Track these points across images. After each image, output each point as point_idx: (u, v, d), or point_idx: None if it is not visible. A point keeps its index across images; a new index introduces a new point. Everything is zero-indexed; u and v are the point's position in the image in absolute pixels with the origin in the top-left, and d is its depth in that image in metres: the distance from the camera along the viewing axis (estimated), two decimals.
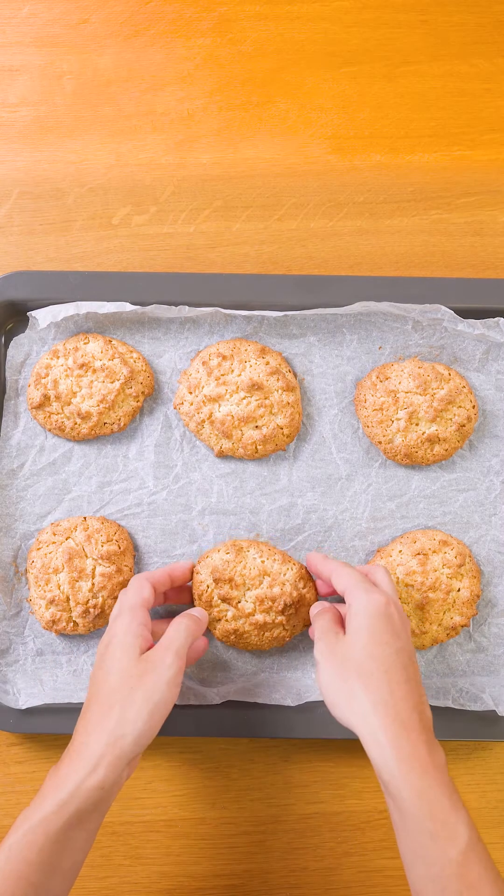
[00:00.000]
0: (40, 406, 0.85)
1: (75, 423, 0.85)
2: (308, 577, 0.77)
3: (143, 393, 0.86)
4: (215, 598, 0.77)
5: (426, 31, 0.95)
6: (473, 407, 0.85)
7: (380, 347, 0.88)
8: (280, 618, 0.77)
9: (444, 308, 0.84)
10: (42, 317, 0.84)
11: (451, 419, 0.84)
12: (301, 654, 0.85)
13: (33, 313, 0.85)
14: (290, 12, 0.95)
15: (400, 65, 0.94)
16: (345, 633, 0.69)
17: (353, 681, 0.64)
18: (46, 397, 0.85)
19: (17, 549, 0.85)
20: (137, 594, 0.73)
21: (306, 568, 0.78)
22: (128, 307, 0.84)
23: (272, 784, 0.84)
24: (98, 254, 0.91)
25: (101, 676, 0.68)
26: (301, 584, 0.77)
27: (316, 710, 0.81)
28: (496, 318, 0.85)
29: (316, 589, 0.80)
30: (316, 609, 0.75)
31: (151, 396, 0.87)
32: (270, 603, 0.76)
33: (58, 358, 0.85)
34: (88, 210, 0.91)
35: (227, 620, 0.78)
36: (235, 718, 0.81)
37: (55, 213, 0.91)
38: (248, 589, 0.76)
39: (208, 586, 0.77)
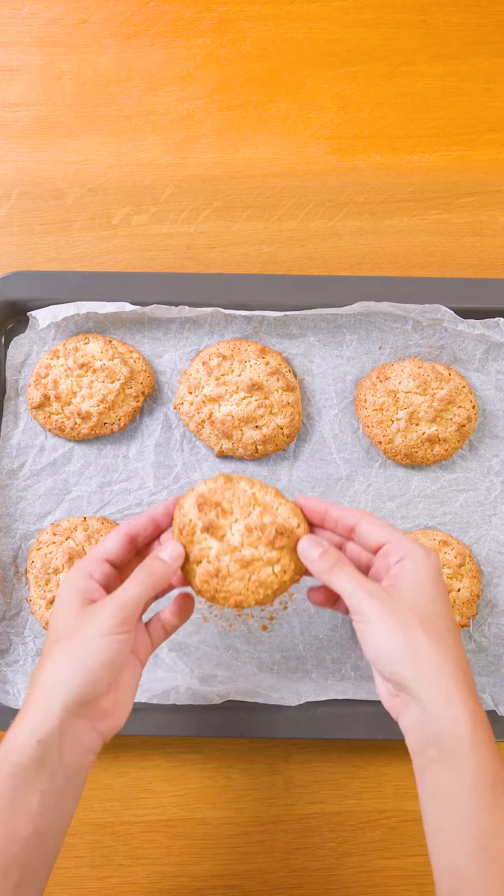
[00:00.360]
0: (40, 406, 0.85)
1: (75, 423, 0.85)
2: (303, 517, 0.67)
3: (143, 393, 0.86)
4: (198, 531, 0.65)
5: (426, 31, 0.95)
6: (473, 407, 0.85)
7: (380, 347, 0.87)
8: (270, 553, 0.65)
9: (444, 308, 0.84)
10: (42, 317, 0.84)
11: (451, 419, 0.84)
12: (301, 654, 0.84)
13: (33, 313, 0.85)
14: (290, 12, 0.95)
15: (400, 65, 0.94)
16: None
17: (421, 638, 0.59)
18: (46, 397, 0.85)
19: (17, 549, 0.85)
20: (96, 547, 0.67)
21: (301, 509, 0.68)
22: (128, 307, 0.84)
23: (272, 784, 0.83)
24: (98, 254, 0.91)
25: (48, 633, 0.64)
26: (295, 521, 0.66)
27: (316, 710, 0.81)
28: (496, 318, 0.85)
29: (311, 531, 0.68)
30: (316, 548, 0.64)
31: (151, 396, 0.87)
32: (260, 533, 0.65)
33: (58, 358, 0.85)
34: (88, 210, 0.91)
35: (209, 560, 0.65)
36: (235, 718, 0.81)
37: (55, 213, 0.91)
38: (237, 520, 0.65)
39: (191, 519, 0.65)
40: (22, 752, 0.57)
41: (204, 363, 0.85)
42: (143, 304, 0.85)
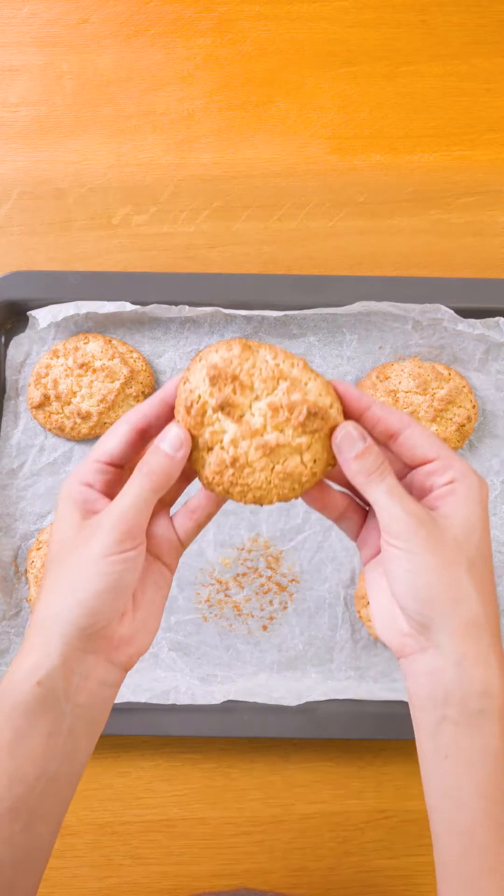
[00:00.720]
0: (40, 406, 0.85)
1: (75, 423, 0.85)
2: (336, 397, 0.54)
3: (143, 393, 0.86)
4: (210, 410, 0.53)
5: (426, 31, 0.95)
6: (473, 407, 0.85)
7: (380, 347, 0.87)
8: (300, 439, 0.53)
9: (444, 308, 0.84)
10: (42, 316, 0.84)
11: (450, 419, 0.84)
12: (301, 654, 0.84)
13: (33, 313, 0.85)
14: (290, 12, 0.95)
15: (400, 65, 0.94)
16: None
17: (466, 584, 0.51)
18: (46, 397, 0.85)
19: (16, 549, 0.85)
20: (95, 446, 0.56)
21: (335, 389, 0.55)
22: (128, 307, 0.84)
23: (272, 784, 0.83)
24: (98, 254, 0.90)
25: (47, 555, 0.57)
26: (328, 400, 0.53)
27: (316, 710, 0.81)
28: (496, 318, 0.85)
29: (344, 404, 0.55)
30: (357, 443, 0.53)
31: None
32: (288, 413, 0.52)
33: (58, 358, 0.85)
34: (88, 210, 0.91)
35: (222, 447, 0.53)
36: (235, 718, 0.80)
37: (55, 213, 0.91)
38: (258, 397, 0.53)
39: (200, 395, 0.53)
40: (21, 693, 0.51)
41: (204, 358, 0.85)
42: (143, 304, 0.85)
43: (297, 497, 0.55)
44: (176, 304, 0.85)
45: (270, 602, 0.85)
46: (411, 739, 0.55)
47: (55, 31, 0.94)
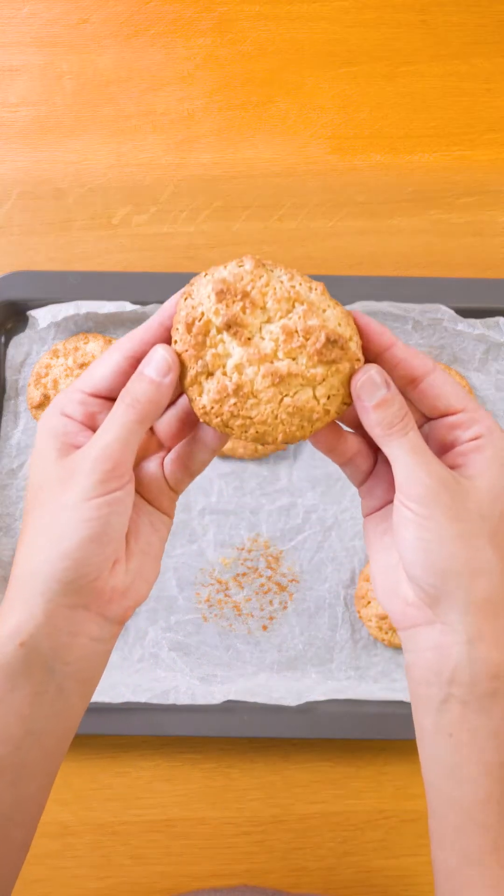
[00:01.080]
0: (40, 406, 0.85)
1: None
2: (357, 330, 0.49)
3: None
4: (214, 329, 0.47)
5: (426, 31, 0.94)
6: None
7: None
8: (315, 370, 0.47)
9: (444, 308, 0.83)
10: (42, 316, 0.84)
11: None
12: (301, 654, 0.84)
13: (33, 313, 0.85)
14: (290, 12, 0.95)
15: (400, 65, 0.94)
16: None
17: (489, 558, 0.47)
18: (46, 397, 0.85)
19: (16, 548, 0.85)
20: (82, 375, 0.51)
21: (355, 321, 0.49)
22: (128, 307, 0.84)
23: (272, 784, 0.83)
24: (98, 253, 0.90)
25: (24, 498, 0.52)
26: (348, 332, 0.48)
27: (316, 710, 0.81)
28: (496, 318, 0.85)
29: (365, 339, 0.49)
30: (379, 389, 0.47)
31: None
32: (303, 339, 0.47)
33: (58, 357, 0.85)
34: (88, 210, 0.91)
35: (225, 373, 0.48)
36: (235, 718, 0.80)
37: (55, 213, 0.91)
38: (270, 319, 0.47)
39: (203, 312, 0.47)
40: (2, 656, 0.47)
41: None
42: (144, 304, 0.84)
43: (304, 437, 0.49)
44: None
45: (270, 602, 0.85)
46: (411, 739, 0.53)
47: (55, 31, 0.94)
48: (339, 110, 0.93)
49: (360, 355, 0.48)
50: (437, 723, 0.48)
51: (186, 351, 0.47)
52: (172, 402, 0.52)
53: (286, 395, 0.48)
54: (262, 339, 0.47)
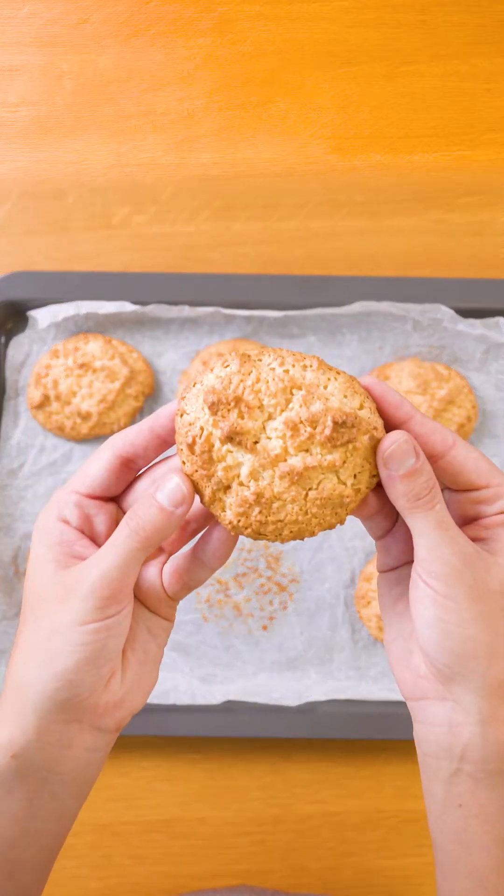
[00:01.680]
0: (40, 406, 0.85)
1: (75, 423, 0.85)
2: (365, 394, 0.46)
3: (143, 393, 0.86)
4: (217, 442, 0.45)
5: (426, 31, 0.95)
6: (473, 407, 0.85)
7: (380, 347, 0.87)
8: (331, 456, 0.45)
9: (444, 308, 0.84)
10: (42, 317, 0.85)
11: (451, 419, 0.84)
12: (301, 654, 0.84)
13: (33, 313, 0.85)
14: (290, 12, 0.95)
15: (400, 65, 0.94)
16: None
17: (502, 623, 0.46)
18: (46, 397, 0.85)
19: (17, 549, 0.86)
20: (76, 474, 0.49)
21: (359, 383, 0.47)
22: (128, 307, 0.84)
23: (272, 784, 0.83)
24: (98, 254, 0.90)
25: (23, 602, 0.50)
26: (356, 401, 0.45)
27: (316, 710, 0.81)
28: (496, 318, 0.85)
29: (380, 413, 0.47)
30: (407, 458, 0.45)
31: (152, 396, 0.88)
32: (310, 429, 0.45)
33: (58, 358, 0.85)
34: (88, 210, 0.91)
35: (241, 483, 0.45)
36: (236, 718, 0.80)
37: (55, 213, 0.91)
38: (271, 416, 0.45)
39: (202, 427, 0.45)
40: None
41: (204, 363, 0.85)
42: (144, 304, 0.85)
43: (342, 522, 0.47)
44: (176, 304, 0.85)
45: (270, 602, 0.85)
46: (411, 740, 0.53)
47: (55, 31, 0.95)
48: (339, 110, 0.93)
49: (376, 421, 0.46)
50: (447, 792, 0.48)
51: (196, 471, 0.46)
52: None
53: (310, 489, 0.45)
54: (269, 438, 0.45)
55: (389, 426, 0.46)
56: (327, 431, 0.44)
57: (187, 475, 0.46)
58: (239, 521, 0.46)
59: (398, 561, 0.50)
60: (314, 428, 0.44)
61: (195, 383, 0.46)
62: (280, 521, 0.45)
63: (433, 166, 0.92)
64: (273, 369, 0.45)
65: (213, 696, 0.81)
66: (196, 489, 0.46)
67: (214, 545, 0.49)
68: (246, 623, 0.85)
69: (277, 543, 0.86)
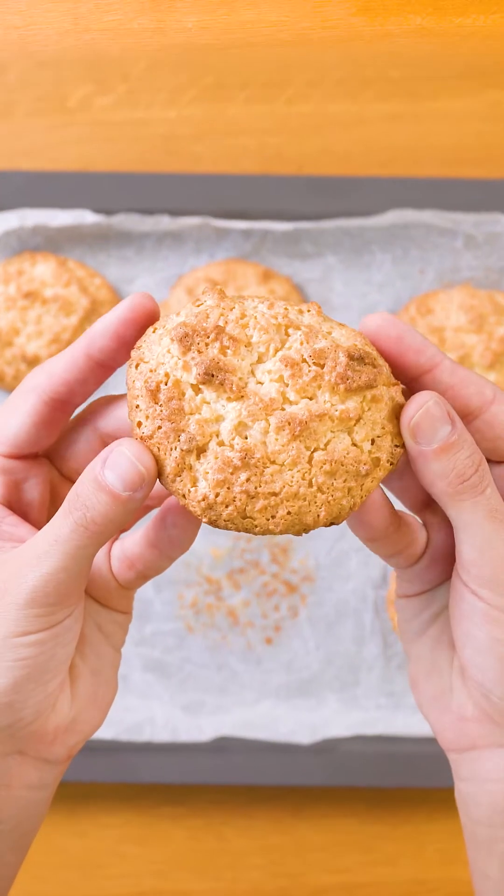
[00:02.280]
0: None
1: (18, 371, 0.85)
2: (378, 353, 0.43)
3: None
4: (188, 391, 0.42)
5: None
6: None
7: (420, 271, 0.87)
8: (346, 404, 0.42)
9: None
10: None
11: None
12: (316, 676, 0.83)
13: None
14: None
15: None
16: None
17: None
18: None
19: None
20: None
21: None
22: (88, 218, 0.84)
23: (278, 847, 0.83)
24: (49, 147, 0.89)
25: None
26: (370, 349, 0.42)
27: (337, 749, 0.80)
28: None
29: (396, 363, 0.44)
30: (443, 426, 0.42)
31: None
32: (317, 366, 0.41)
33: None
34: (36, 90, 0.89)
35: (221, 443, 0.42)
36: (230, 760, 0.80)
37: None
38: (262, 356, 0.42)
39: (167, 372, 0.42)
40: None
41: (189, 292, 0.84)
42: (109, 214, 0.85)
43: (355, 508, 0.43)
44: (152, 213, 0.84)
45: (276, 607, 0.84)
46: None
47: None
48: None
49: (394, 381, 0.43)
50: (501, 868, 0.47)
51: (159, 429, 0.41)
52: None
53: (316, 449, 0.41)
54: (260, 383, 0.41)
55: (408, 378, 0.44)
56: (339, 368, 0.41)
57: (144, 440, 0.42)
58: (217, 495, 0.41)
59: (429, 584, 0.49)
60: (321, 366, 0.41)
61: (154, 328, 0.43)
62: (274, 494, 0.41)
63: (491, 32, 0.90)
64: (261, 311, 0.42)
65: (201, 730, 0.81)
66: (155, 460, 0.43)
67: (173, 530, 0.47)
68: (244, 635, 0.84)
69: None
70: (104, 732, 0.79)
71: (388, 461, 0.42)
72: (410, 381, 0.44)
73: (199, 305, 0.42)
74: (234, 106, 0.90)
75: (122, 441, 0.42)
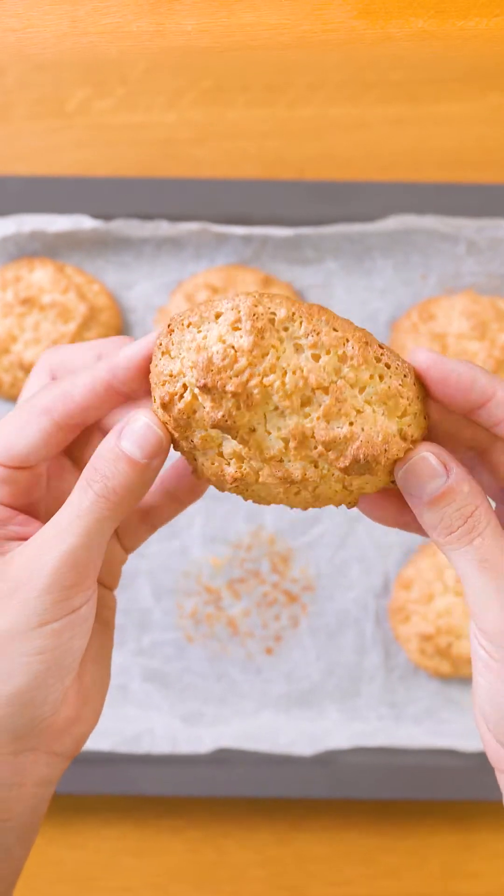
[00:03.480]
0: None
1: (16, 379, 0.85)
2: (415, 392, 0.44)
3: (106, 337, 0.81)
4: (200, 412, 0.44)
5: None
6: None
7: (422, 276, 0.87)
8: (335, 481, 0.45)
9: None
10: None
11: None
12: (317, 686, 0.84)
13: None
14: None
15: None
16: None
17: None
18: None
19: None
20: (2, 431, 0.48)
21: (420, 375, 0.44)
22: (86, 223, 0.84)
23: (278, 859, 0.83)
24: (46, 151, 0.89)
25: None
26: (394, 426, 0.44)
27: (338, 761, 0.81)
28: None
29: (444, 402, 0.45)
30: (435, 479, 0.43)
31: None
32: (322, 449, 0.43)
33: None
34: (33, 93, 0.90)
35: (220, 454, 0.45)
36: (230, 772, 0.80)
37: None
38: (278, 410, 0.43)
39: (185, 385, 0.43)
40: None
41: (188, 298, 0.85)
42: (108, 219, 0.85)
43: (355, 503, 0.46)
44: (151, 218, 0.85)
45: (277, 617, 0.85)
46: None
47: None
48: None
49: (422, 427, 0.44)
50: None
51: (166, 424, 0.45)
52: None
53: (303, 490, 0.45)
54: (268, 433, 0.44)
55: (463, 412, 0.44)
56: (343, 463, 0.43)
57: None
58: (214, 479, 0.45)
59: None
60: (328, 451, 0.43)
61: (188, 322, 0.43)
62: (257, 496, 0.46)
63: (493, 35, 0.91)
64: (300, 346, 0.43)
65: (201, 741, 0.81)
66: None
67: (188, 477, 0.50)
68: (244, 645, 0.85)
69: (286, 538, 0.85)
70: (102, 743, 0.79)
71: (417, 434, 0.44)
72: (467, 415, 0.44)
73: (236, 328, 0.42)
74: (234, 109, 0.90)
75: (136, 412, 0.44)
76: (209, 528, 0.84)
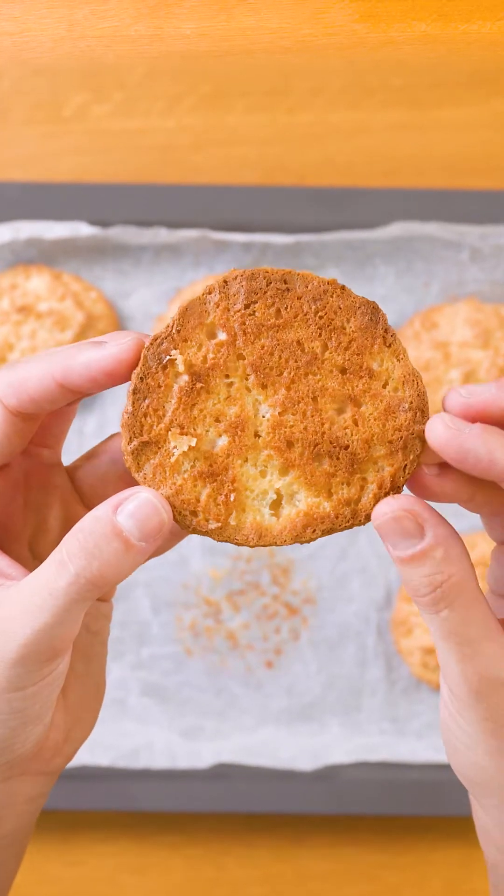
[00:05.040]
0: None
1: None
2: (418, 390, 0.43)
3: None
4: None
5: None
6: None
7: (425, 284, 0.88)
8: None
9: None
10: None
11: None
12: (318, 700, 0.84)
13: None
14: None
15: None
16: None
17: None
18: None
19: None
20: None
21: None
22: (84, 230, 0.85)
23: (279, 876, 0.83)
24: (44, 156, 0.90)
25: None
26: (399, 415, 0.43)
27: (339, 776, 0.81)
28: None
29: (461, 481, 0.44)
30: (410, 539, 0.40)
31: None
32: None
33: None
34: (30, 98, 0.91)
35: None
36: (229, 787, 0.81)
37: None
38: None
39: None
40: None
41: None
42: (105, 226, 0.85)
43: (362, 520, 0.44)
44: (149, 225, 0.85)
45: (277, 630, 0.85)
46: (467, 816, 0.52)
47: None
48: None
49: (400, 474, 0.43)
50: None
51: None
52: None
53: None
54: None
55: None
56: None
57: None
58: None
59: None
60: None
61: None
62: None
63: (496, 39, 0.90)
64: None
65: (200, 756, 0.82)
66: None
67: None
68: (244, 658, 0.85)
69: (287, 550, 0.86)
70: (100, 758, 0.79)
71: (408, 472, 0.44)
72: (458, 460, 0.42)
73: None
74: (233, 115, 0.91)
75: (141, 488, 0.40)
76: (208, 540, 0.80)
